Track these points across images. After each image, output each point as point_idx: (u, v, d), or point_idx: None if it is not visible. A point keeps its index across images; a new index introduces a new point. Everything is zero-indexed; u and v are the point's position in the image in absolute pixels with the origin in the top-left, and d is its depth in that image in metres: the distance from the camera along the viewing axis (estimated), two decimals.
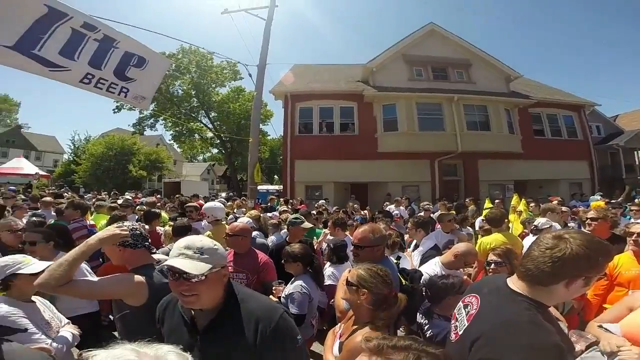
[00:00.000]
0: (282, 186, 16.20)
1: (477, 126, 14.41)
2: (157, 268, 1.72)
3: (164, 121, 27.79)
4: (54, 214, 4.97)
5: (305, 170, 14.23)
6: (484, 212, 6.14)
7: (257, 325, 1.21)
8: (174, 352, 0.66)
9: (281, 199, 10.56)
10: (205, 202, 6.64)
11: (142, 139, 30.86)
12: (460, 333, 1.25)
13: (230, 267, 2.72)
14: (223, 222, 4.45)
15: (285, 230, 4.29)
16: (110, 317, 3.04)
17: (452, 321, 1.36)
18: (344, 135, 14.54)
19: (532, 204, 7.08)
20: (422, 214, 6.63)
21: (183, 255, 1.20)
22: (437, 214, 6.26)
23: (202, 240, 1.28)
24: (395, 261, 3.02)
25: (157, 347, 0.65)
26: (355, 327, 1.57)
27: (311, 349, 2.67)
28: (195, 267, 1.16)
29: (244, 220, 3.68)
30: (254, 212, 5.06)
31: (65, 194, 9.70)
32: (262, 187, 17.96)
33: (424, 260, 3.29)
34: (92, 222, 4.82)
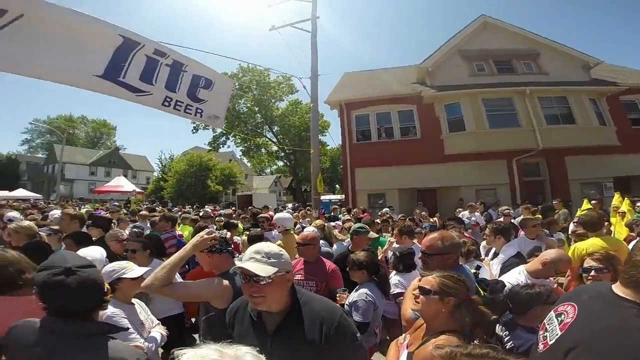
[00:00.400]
0: (343, 195, 16.24)
1: (558, 120, 12.73)
2: (231, 271, 1.84)
3: (233, 138, 30.28)
4: (149, 225, 5.67)
5: (367, 178, 14.05)
6: (578, 214, 5.36)
7: (322, 325, 1.29)
8: (251, 353, 0.71)
9: (343, 208, 10.59)
10: (275, 213, 7.00)
11: (217, 156, 34.01)
12: (550, 343, 1.12)
13: (300, 275, 2.82)
14: (291, 232, 4.68)
15: (349, 239, 4.29)
16: (192, 320, 3.35)
17: (540, 332, 1.23)
18: (405, 139, 14.05)
19: (639, 204, 5.97)
20: (501, 219, 6.04)
21: (253, 260, 1.32)
22: (518, 219, 5.64)
23: (269, 246, 1.41)
24: (474, 271, 2.80)
25: (236, 347, 0.70)
26: (427, 337, 1.49)
27: (372, 359, 2.60)
28: (262, 270, 1.28)
29: (310, 230, 3.79)
30: (318, 222, 5.18)
31: (157, 208, 11.06)
32: (324, 197, 18.27)
33: (504, 269, 3.00)
34: (180, 233, 5.41)
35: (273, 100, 29.91)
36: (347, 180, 14.45)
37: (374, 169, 13.84)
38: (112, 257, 3.00)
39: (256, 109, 29.19)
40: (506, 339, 1.90)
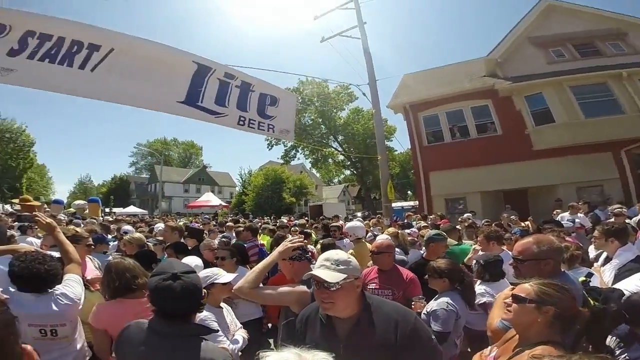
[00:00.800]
0: (417, 201, 15.51)
1: None
2: (304, 278, 1.92)
3: (302, 150, 31.52)
4: (235, 235, 6.19)
5: (442, 181, 13.18)
6: None
7: (397, 327, 1.31)
8: (327, 359, 0.74)
9: (417, 215, 10.11)
10: (345, 222, 7.05)
11: (289, 169, 35.81)
12: None
13: (375, 284, 2.79)
14: (363, 240, 4.66)
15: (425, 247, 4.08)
16: (269, 325, 3.49)
17: None
18: (484, 137, 12.84)
19: None
20: (612, 219, 5.10)
21: (323, 267, 1.39)
22: (635, 218, 4.69)
23: (338, 253, 1.47)
24: (583, 279, 2.43)
25: (314, 352, 0.73)
26: (519, 349, 1.33)
27: None
28: (332, 277, 1.33)
29: (383, 238, 3.72)
30: (391, 230, 5.04)
31: (240, 219, 12.05)
32: (396, 204, 17.71)
33: (620, 275, 2.56)
34: (262, 242, 5.81)
35: (335, 110, 30.44)
36: (421, 185, 13.80)
37: (450, 172, 12.93)
38: (205, 264, 3.36)
39: (320, 120, 30.03)
40: (619, 351, 1.61)
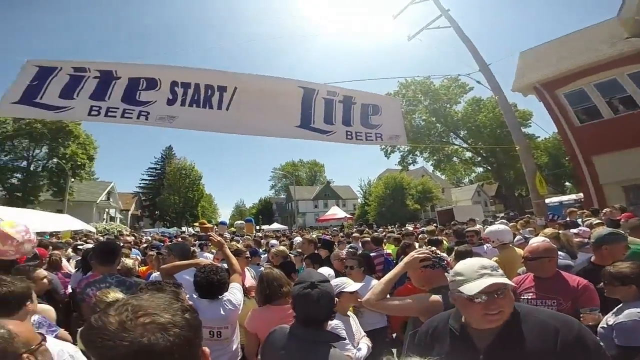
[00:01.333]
0: (580, 194, 12.43)
1: None
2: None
3: (419, 153, 29.80)
4: (360, 245, 6.32)
5: (614, 166, 10.21)
6: None
7: (557, 334, 1.18)
8: None
9: (584, 210, 8.04)
10: (484, 226, 6.26)
11: (408, 174, 34.53)
12: None
13: (531, 294, 2.38)
14: (510, 245, 3.99)
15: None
16: (393, 335, 3.34)
17: None
18: None
19: None
20: None
21: (486, 275, 1.24)
22: None
23: (485, 260, 1.35)
24: None
25: None
26: None
27: None
28: (507, 281, 1.24)
29: (538, 240, 3.09)
30: (548, 230, 4.14)
31: (364, 230, 12.22)
32: (551, 200, 14.51)
33: None
34: (387, 251, 5.73)
35: (448, 105, 27.71)
36: (583, 174, 11.04)
37: (622, 153, 9.95)
38: (336, 274, 3.53)
39: (433, 118, 27.88)
40: None
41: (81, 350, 1.64)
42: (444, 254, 4.57)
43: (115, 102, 3.18)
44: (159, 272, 3.11)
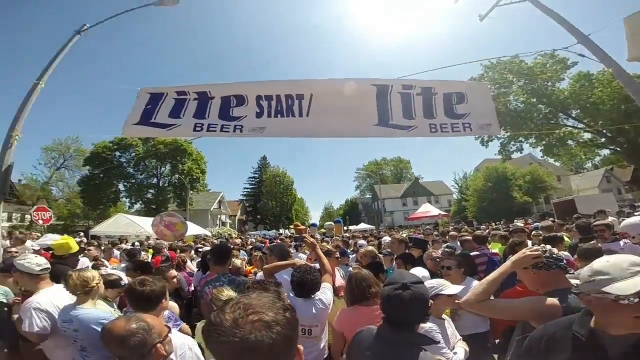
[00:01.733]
0: None
1: None
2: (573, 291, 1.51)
3: (524, 140, 25.84)
4: (459, 244, 5.83)
5: None
6: None
7: None
8: None
9: None
10: (619, 219, 5.09)
11: (511, 163, 30.39)
12: None
13: None
14: None
15: None
16: (496, 341, 3.05)
17: None
18: None
19: None
20: None
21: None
22: None
23: (634, 256, 1.18)
24: None
25: None
26: None
27: None
28: None
29: None
30: None
31: (462, 227, 11.26)
32: None
33: None
34: (493, 250, 5.16)
35: (549, 84, 23.23)
36: None
37: None
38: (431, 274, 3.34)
39: (533, 99, 23.75)
40: None
41: (198, 343, 1.93)
42: (565, 253, 3.92)
43: (214, 119, 3.70)
44: (262, 272, 3.43)
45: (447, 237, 7.69)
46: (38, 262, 2.52)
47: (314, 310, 2.37)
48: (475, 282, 2.81)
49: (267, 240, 13.12)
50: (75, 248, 3.94)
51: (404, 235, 7.27)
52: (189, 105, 3.76)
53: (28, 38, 68.27)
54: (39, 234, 9.76)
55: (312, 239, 3.14)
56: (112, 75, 75.88)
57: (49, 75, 5.65)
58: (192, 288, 4.73)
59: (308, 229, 12.14)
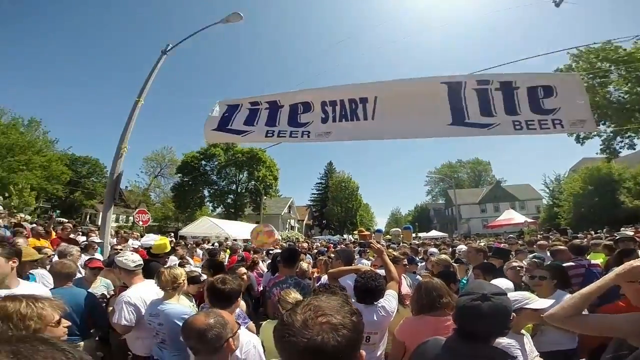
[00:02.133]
0: None
1: None
2: None
3: (635, 134, 21.51)
4: (549, 255, 5.21)
5: None
6: None
7: None
8: None
9: None
10: None
11: (618, 162, 25.61)
12: None
13: None
14: None
15: None
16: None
17: None
18: None
19: None
20: None
21: None
22: None
23: None
24: None
25: None
26: None
27: None
28: None
29: None
30: None
31: (552, 236, 9.89)
32: None
33: None
34: (593, 261, 4.52)
35: None
36: None
37: None
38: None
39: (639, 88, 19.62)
40: None
41: (261, 342, 2.00)
42: None
43: (283, 126, 3.92)
44: (326, 276, 3.46)
45: (534, 246, 6.89)
46: (133, 259, 2.84)
47: (375, 318, 2.30)
48: (568, 296, 2.48)
49: (331, 245, 13.24)
50: (168, 248, 4.44)
51: (482, 244, 6.67)
52: (261, 114, 4.04)
53: (116, 59, 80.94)
54: (138, 234, 11.38)
55: (379, 245, 3.06)
56: (191, 89, 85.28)
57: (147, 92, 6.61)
58: (261, 288, 4.99)
59: (373, 235, 11.94)
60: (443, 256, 4.69)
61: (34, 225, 7.28)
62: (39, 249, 3.57)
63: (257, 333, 2.54)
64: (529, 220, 20.46)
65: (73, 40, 74.45)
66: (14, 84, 57.03)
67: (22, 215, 10.02)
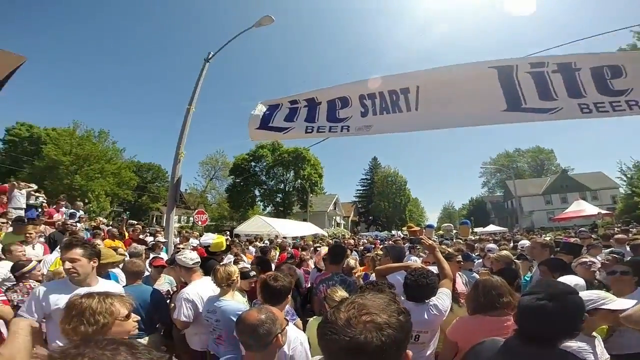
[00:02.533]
0: None
1: None
2: None
3: None
4: (629, 250, 4.62)
5: None
6: None
7: None
8: None
9: None
10: None
11: None
12: None
13: None
14: None
15: None
16: None
17: None
18: None
19: None
20: None
21: None
22: None
23: None
24: None
25: None
26: None
27: None
28: None
29: None
30: None
31: (632, 229, 8.71)
32: None
33: None
34: None
35: None
36: None
37: None
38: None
39: None
40: None
41: (308, 339, 2.03)
42: None
43: (322, 122, 3.96)
44: (374, 273, 3.41)
45: (610, 240, 6.16)
46: (191, 257, 3.03)
47: (425, 316, 2.20)
48: None
49: (378, 242, 12.99)
50: (225, 246, 4.68)
51: (548, 238, 6.08)
52: (301, 112, 4.11)
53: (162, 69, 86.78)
54: (198, 233, 12.24)
55: (430, 241, 2.93)
56: (230, 92, 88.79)
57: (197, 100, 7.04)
58: (309, 285, 5.06)
59: (424, 230, 11.51)
60: (504, 252, 4.34)
61: (110, 227, 8.20)
62: (114, 249, 3.99)
63: (304, 330, 2.58)
64: (603, 211, 18.20)
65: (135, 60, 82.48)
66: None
67: (100, 218, 11.33)
